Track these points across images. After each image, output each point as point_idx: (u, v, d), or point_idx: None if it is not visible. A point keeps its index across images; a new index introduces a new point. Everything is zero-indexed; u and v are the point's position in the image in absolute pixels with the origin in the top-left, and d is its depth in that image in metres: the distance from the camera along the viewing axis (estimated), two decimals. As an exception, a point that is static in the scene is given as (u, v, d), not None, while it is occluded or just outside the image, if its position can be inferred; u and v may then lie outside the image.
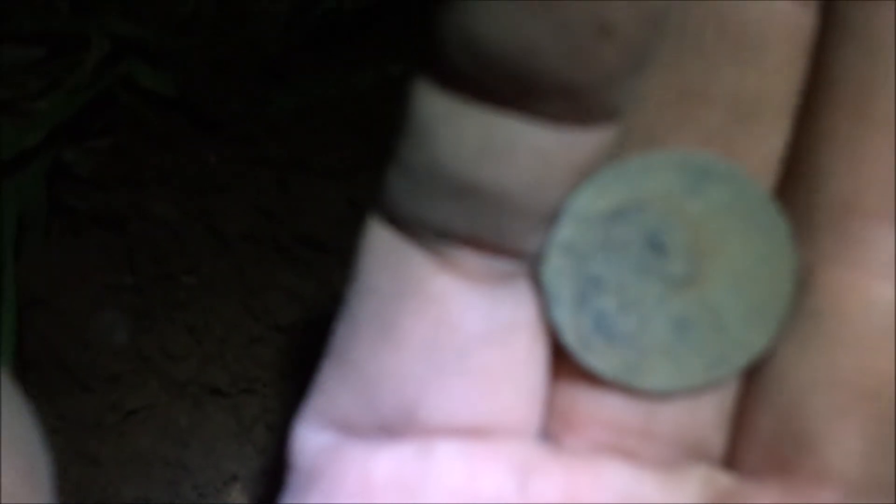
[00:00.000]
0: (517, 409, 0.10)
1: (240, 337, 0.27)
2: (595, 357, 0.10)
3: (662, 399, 0.10)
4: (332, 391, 0.11)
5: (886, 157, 0.09)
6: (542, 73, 0.08)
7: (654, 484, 0.10)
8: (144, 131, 0.27)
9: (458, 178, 0.09)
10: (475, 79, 0.09)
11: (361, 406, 0.10)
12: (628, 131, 0.09)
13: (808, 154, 0.09)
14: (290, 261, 0.27)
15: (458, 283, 0.10)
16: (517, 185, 0.09)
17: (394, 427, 0.10)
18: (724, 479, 0.10)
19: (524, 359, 0.10)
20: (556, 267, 0.10)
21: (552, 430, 0.10)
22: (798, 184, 0.10)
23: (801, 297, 0.10)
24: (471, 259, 0.10)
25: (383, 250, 0.10)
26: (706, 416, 0.10)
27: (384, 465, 0.10)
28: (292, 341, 0.27)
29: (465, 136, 0.09)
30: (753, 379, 0.10)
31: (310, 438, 0.11)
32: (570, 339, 0.10)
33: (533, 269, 0.10)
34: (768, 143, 0.10)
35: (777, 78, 0.09)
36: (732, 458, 0.10)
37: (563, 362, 0.10)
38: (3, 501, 0.10)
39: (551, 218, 0.09)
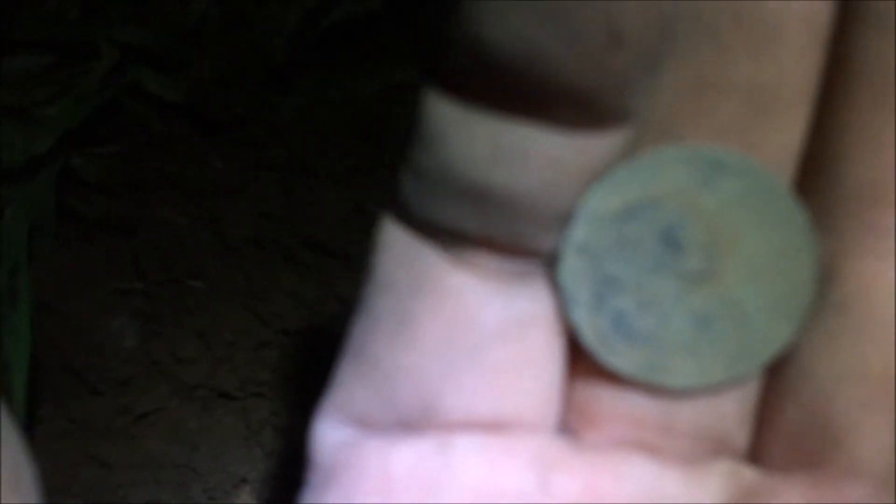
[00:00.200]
0: (535, 403, 0.10)
1: (248, 341, 0.27)
2: (616, 357, 0.10)
3: (686, 397, 0.10)
4: (351, 387, 0.10)
5: None
6: (552, 79, 0.08)
7: (676, 479, 0.10)
8: (152, 137, 0.27)
9: (470, 182, 0.09)
10: (484, 85, 0.09)
11: (379, 402, 0.10)
12: (643, 124, 0.09)
13: (829, 144, 0.09)
14: (295, 265, 0.27)
15: (473, 280, 0.10)
16: (529, 189, 0.09)
17: (412, 422, 0.10)
18: (748, 474, 0.10)
19: (541, 353, 0.10)
20: (572, 268, 0.10)
21: (572, 426, 0.10)
22: (819, 174, 0.09)
23: (826, 289, 0.09)
24: (486, 258, 0.10)
25: (398, 247, 0.10)
26: (729, 410, 0.10)
27: (403, 459, 0.10)
28: (299, 345, 0.28)
29: (476, 142, 0.09)
30: (778, 372, 0.10)
31: (328, 434, 0.11)
32: (590, 339, 0.10)
33: (549, 268, 0.10)
34: (786, 133, 0.09)
35: (794, 67, 0.09)
36: (757, 453, 0.10)
37: (582, 357, 0.10)
38: None
39: (565, 219, 0.09)
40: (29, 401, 0.25)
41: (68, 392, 0.26)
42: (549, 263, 0.10)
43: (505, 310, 0.10)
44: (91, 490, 0.26)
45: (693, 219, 0.10)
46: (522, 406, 0.10)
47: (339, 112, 0.28)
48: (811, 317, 0.09)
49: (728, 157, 0.09)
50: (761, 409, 0.10)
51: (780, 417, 0.10)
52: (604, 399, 0.10)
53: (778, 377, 0.10)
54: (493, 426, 0.10)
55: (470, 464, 0.10)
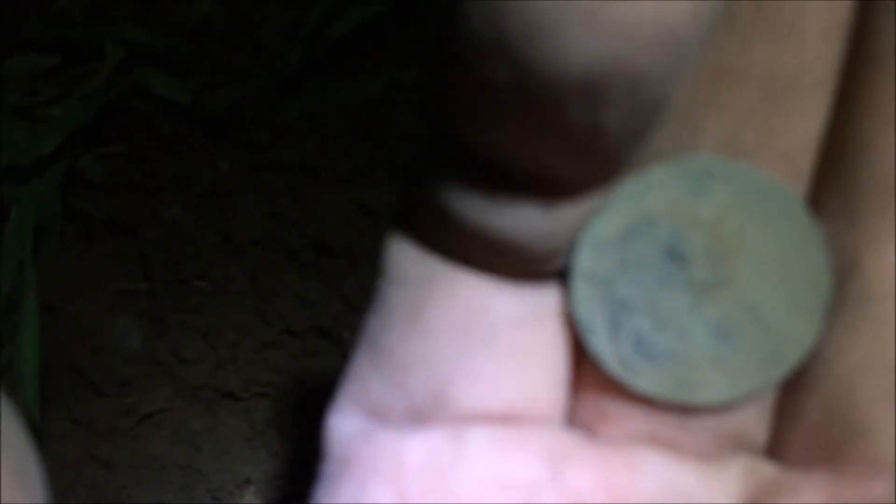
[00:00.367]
0: (545, 394, 0.10)
1: (252, 341, 0.27)
2: (642, 379, 0.10)
3: (721, 411, 0.10)
4: (365, 379, 0.10)
5: None
6: (533, 168, 0.08)
7: (692, 474, 0.10)
8: (157, 138, 0.27)
9: (466, 224, 0.09)
10: (464, 170, 0.09)
11: (393, 392, 0.10)
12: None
13: (849, 131, 0.09)
14: (301, 266, 0.27)
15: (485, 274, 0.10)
16: (525, 237, 0.09)
17: (425, 413, 0.10)
18: (767, 470, 0.10)
19: (552, 345, 0.10)
20: (583, 297, 0.10)
21: (585, 420, 0.10)
22: (838, 163, 0.09)
23: (847, 280, 0.09)
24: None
25: (411, 244, 0.10)
26: (746, 404, 0.10)
27: (417, 451, 0.10)
28: (303, 345, 0.28)
29: (473, 188, 0.09)
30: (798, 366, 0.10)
31: (343, 426, 0.11)
32: (613, 366, 0.10)
33: (562, 300, 0.10)
34: (806, 121, 0.09)
35: (815, 54, 0.09)
36: (775, 448, 0.10)
37: None
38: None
39: (570, 247, 0.09)
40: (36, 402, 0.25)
41: (72, 393, 0.26)
42: (561, 296, 0.10)
43: (518, 299, 0.10)
44: (95, 490, 0.26)
45: (693, 230, 0.09)
46: (533, 397, 0.10)
47: (345, 114, 0.28)
48: (833, 309, 0.09)
49: (716, 164, 0.09)
50: (780, 404, 0.10)
51: (800, 412, 0.09)
52: (618, 392, 0.10)
53: (799, 371, 0.10)
54: (505, 418, 0.10)
55: (483, 455, 0.10)
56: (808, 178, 0.10)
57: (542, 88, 0.07)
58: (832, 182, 0.09)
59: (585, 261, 0.09)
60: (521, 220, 0.09)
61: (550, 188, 0.09)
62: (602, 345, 0.10)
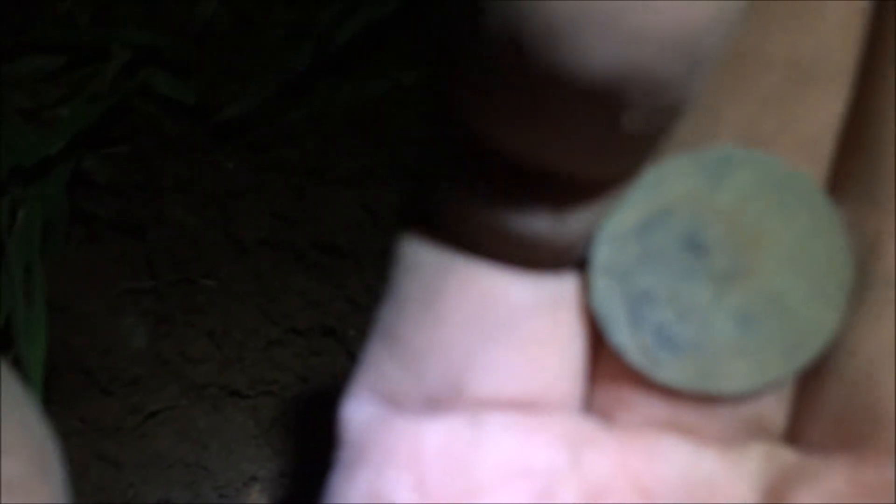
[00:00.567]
0: (562, 381, 0.10)
1: (258, 340, 0.27)
2: (665, 371, 0.09)
3: (746, 400, 0.10)
4: (381, 366, 0.10)
5: None
6: (553, 170, 0.08)
7: (712, 460, 0.10)
8: (163, 139, 0.27)
9: (479, 223, 0.09)
10: (485, 176, 0.09)
11: (409, 379, 0.10)
12: None
13: (869, 117, 0.09)
14: (306, 265, 0.27)
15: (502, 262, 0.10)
16: (537, 238, 0.09)
17: (441, 399, 0.10)
18: (787, 455, 0.10)
19: (568, 332, 0.10)
20: (603, 291, 0.10)
21: (603, 408, 0.10)
22: (859, 149, 0.09)
23: (868, 266, 0.09)
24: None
25: (425, 228, 0.10)
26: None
27: (434, 437, 0.10)
28: (309, 344, 0.28)
29: (485, 189, 0.09)
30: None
31: (359, 412, 0.10)
32: (636, 358, 0.10)
33: (582, 294, 0.10)
34: (827, 107, 0.09)
35: (835, 40, 0.09)
36: (795, 434, 0.10)
37: None
38: (14, 486, 0.10)
39: (586, 242, 0.09)
40: (42, 401, 0.25)
41: (78, 391, 0.26)
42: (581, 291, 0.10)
43: (533, 290, 0.10)
44: (101, 489, 0.26)
45: (712, 219, 0.09)
46: (550, 384, 0.10)
47: (349, 115, 0.28)
48: (855, 295, 0.09)
49: (732, 152, 0.09)
50: (800, 390, 0.10)
51: (821, 397, 0.09)
52: (636, 378, 0.10)
53: (820, 356, 0.09)
54: (522, 404, 0.10)
55: (501, 441, 0.10)
56: (828, 164, 0.10)
57: (560, 91, 0.07)
58: (852, 168, 0.09)
59: (604, 254, 0.09)
60: (533, 225, 0.09)
61: (564, 191, 0.09)
62: (624, 337, 0.10)
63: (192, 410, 0.26)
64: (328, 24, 0.26)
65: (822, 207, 0.09)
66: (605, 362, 0.10)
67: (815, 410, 0.10)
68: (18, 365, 0.25)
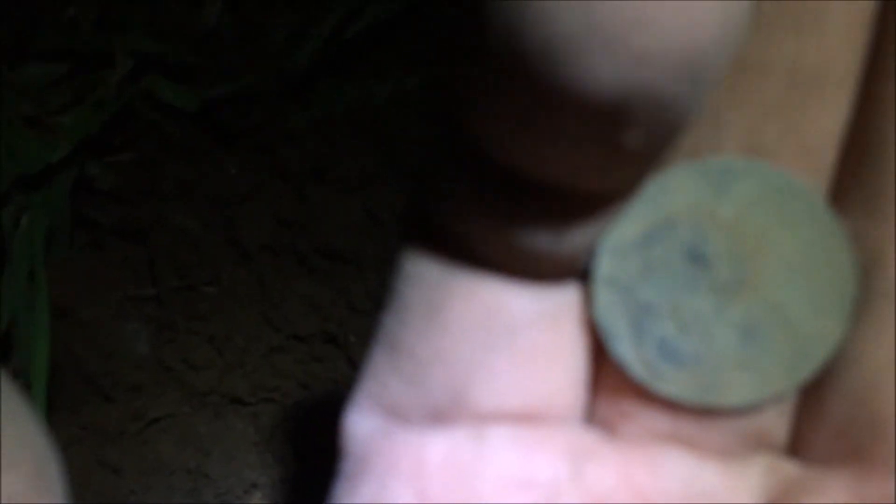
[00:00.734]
0: (565, 393, 0.10)
1: (259, 347, 0.27)
2: (668, 384, 0.09)
3: (749, 413, 0.10)
4: (383, 377, 0.10)
5: None
6: (555, 183, 0.08)
7: (714, 472, 0.10)
8: (166, 145, 0.28)
9: (480, 234, 0.09)
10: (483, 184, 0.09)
11: (411, 391, 0.10)
12: None
13: (873, 126, 0.09)
14: (309, 271, 0.27)
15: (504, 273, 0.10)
16: (538, 253, 0.09)
17: (444, 411, 0.10)
18: (789, 468, 0.10)
19: (571, 344, 0.10)
20: (605, 303, 0.10)
21: (605, 420, 0.10)
22: (862, 157, 0.09)
23: (872, 277, 0.09)
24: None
25: (428, 238, 0.10)
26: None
27: (437, 449, 0.10)
28: (310, 350, 0.28)
29: (487, 201, 0.09)
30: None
31: (361, 424, 0.10)
32: (638, 371, 0.09)
33: (585, 307, 0.10)
34: (830, 115, 0.09)
35: (838, 47, 0.09)
36: (798, 446, 0.10)
37: None
38: (15, 502, 0.10)
39: (589, 254, 0.09)
40: (46, 408, 0.25)
41: (81, 398, 0.26)
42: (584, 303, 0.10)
43: (535, 301, 0.10)
44: (103, 496, 0.26)
45: (714, 230, 0.09)
46: (552, 396, 0.10)
47: (352, 119, 0.28)
48: (859, 306, 0.09)
49: (735, 164, 0.09)
50: (802, 402, 0.10)
51: (824, 410, 0.09)
52: (638, 391, 0.10)
53: (824, 370, 0.09)
54: (525, 417, 0.10)
55: (504, 454, 0.10)
56: (831, 173, 0.09)
57: (562, 108, 0.07)
58: (855, 177, 0.09)
59: (606, 266, 0.09)
60: (535, 237, 0.09)
61: (565, 203, 0.09)
62: (626, 350, 0.10)
63: (193, 417, 0.26)
64: (331, 28, 0.27)
65: (825, 219, 0.09)
66: (607, 374, 0.10)
67: (817, 423, 0.10)
68: (21, 371, 0.25)
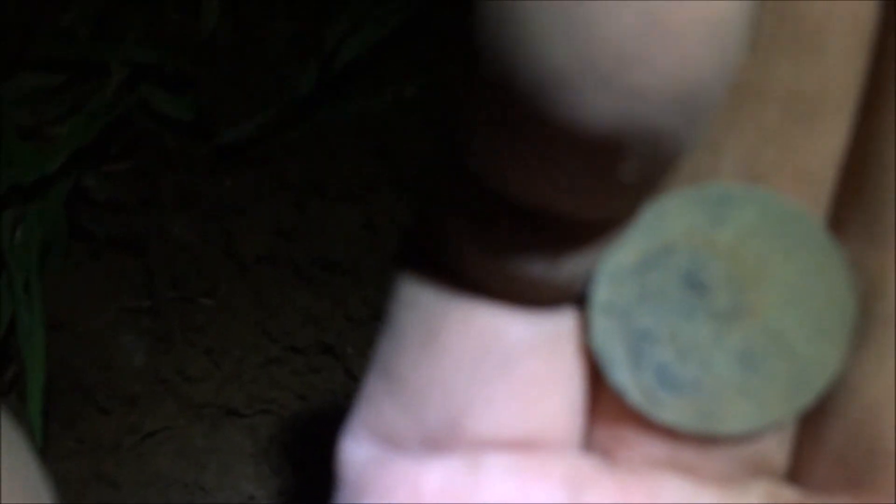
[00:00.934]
0: (562, 421, 0.10)
1: (256, 358, 0.27)
2: (667, 412, 0.09)
3: (747, 441, 0.09)
4: (378, 404, 0.10)
5: None
6: (551, 212, 0.08)
7: (714, 498, 0.10)
8: (162, 155, 0.27)
9: (475, 259, 0.09)
10: (480, 212, 0.09)
11: (407, 418, 0.10)
12: None
13: (872, 151, 0.09)
14: (306, 282, 0.27)
15: (500, 299, 0.10)
16: (533, 280, 0.09)
17: (440, 439, 0.10)
18: (788, 494, 0.10)
19: (568, 371, 0.10)
20: (603, 330, 0.09)
21: (603, 446, 0.10)
22: (862, 183, 0.09)
23: (872, 304, 0.09)
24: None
25: (423, 266, 0.10)
26: None
27: (433, 478, 0.10)
28: (308, 362, 0.28)
29: (483, 227, 0.09)
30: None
31: (357, 452, 0.10)
32: (636, 398, 0.09)
33: (582, 336, 0.10)
34: (829, 140, 0.09)
35: (837, 72, 0.09)
36: (797, 473, 0.10)
37: None
38: None
39: (585, 279, 0.09)
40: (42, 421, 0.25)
41: (77, 410, 0.26)
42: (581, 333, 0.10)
43: (531, 327, 0.10)
44: (99, 509, 0.26)
45: (712, 257, 0.09)
46: (549, 424, 0.10)
47: (350, 130, 0.28)
48: (859, 334, 0.09)
49: (733, 189, 0.09)
50: (802, 428, 0.10)
51: (824, 437, 0.09)
52: (637, 420, 0.10)
53: (824, 398, 0.09)
54: (522, 444, 0.10)
55: (500, 483, 0.10)
56: (830, 198, 0.09)
57: (556, 141, 0.07)
58: (854, 203, 0.09)
59: (603, 292, 0.09)
60: (530, 264, 0.09)
61: (561, 231, 0.09)
62: (624, 377, 0.10)
63: (190, 429, 0.26)
64: (332, 42, 0.26)
65: (824, 245, 0.09)
66: (605, 400, 0.10)
67: (817, 450, 0.10)
68: (17, 384, 0.25)
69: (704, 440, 0.10)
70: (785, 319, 0.09)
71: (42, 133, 0.26)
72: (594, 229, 0.09)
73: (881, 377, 0.09)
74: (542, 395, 0.10)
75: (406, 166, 0.27)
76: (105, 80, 0.27)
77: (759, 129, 0.09)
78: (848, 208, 0.09)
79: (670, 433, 0.10)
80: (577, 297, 0.10)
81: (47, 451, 0.26)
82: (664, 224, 0.09)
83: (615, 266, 0.09)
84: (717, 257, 0.09)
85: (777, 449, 0.10)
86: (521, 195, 0.08)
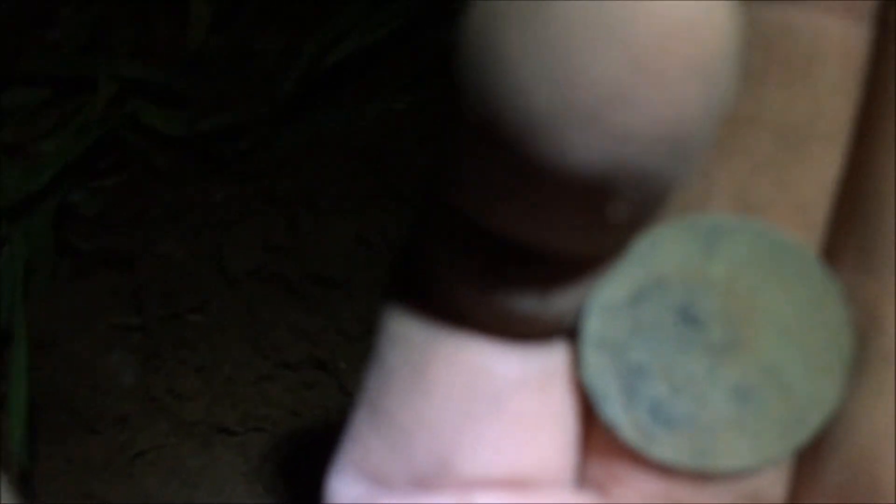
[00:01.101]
0: (554, 457, 0.10)
1: (248, 375, 0.27)
2: (661, 448, 0.09)
3: (742, 478, 0.09)
4: (366, 442, 0.10)
5: None
6: (539, 249, 0.08)
7: None
8: (151, 170, 0.27)
9: (464, 296, 0.09)
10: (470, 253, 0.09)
11: (395, 457, 0.10)
12: None
13: (866, 180, 0.09)
14: (298, 297, 0.27)
15: (490, 334, 0.10)
16: (523, 316, 0.09)
17: (429, 479, 0.10)
18: None
19: (560, 407, 0.10)
20: (595, 365, 0.09)
21: (597, 482, 0.10)
22: (856, 212, 0.09)
23: (869, 337, 0.09)
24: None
25: (411, 300, 0.10)
26: None
27: None
28: (300, 378, 0.27)
29: (472, 263, 0.09)
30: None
31: (345, 491, 0.10)
32: (630, 434, 0.09)
33: (574, 369, 0.10)
34: (821, 170, 0.09)
35: (829, 101, 0.09)
36: None
37: None
38: None
39: (577, 314, 0.09)
40: (26, 440, 0.24)
41: (65, 430, 0.26)
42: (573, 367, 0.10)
43: (522, 363, 0.10)
44: (89, 531, 0.25)
45: (705, 290, 0.09)
46: (541, 461, 0.10)
47: (341, 144, 0.28)
48: (856, 368, 0.09)
49: (726, 222, 0.09)
50: (800, 464, 0.10)
51: (822, 473, 0.09)
52: (631, 456, 0.10)
53: (820, 434, 0.09)
54: (513, 482, 0.10)
55: None
56: (824, 229, 0.09)
57: (541, 181, 0.07)
58: (849, 233, 0.09)
59: (595, 327, 0.09)
60: (519, 300, 0.09)
61: (549, 267, 0.08)
62: (617, 413, 0.09)
63: (181, 448, 0.26)
64: (317, 49, 0.26)
65: (820, 277, 0.09)
66: (598, 436, 0.10)
67: (815, 486, 0.09)
68: (2, 404, 0.24)
69: (699, 476, 0.09)
70: (780, 354, 0.09)
71: (29, 150, 0.26)
72: (584, 265, 0.09)
73: (878, 414, 0.09)
74: (534, 433, 0.10)
75: (398, 180, 0.27)
76: (93, 95, 0.26)
77: (752, 159, 0.09)
78: (842, 238, 0.09)
79: (665, 469, 0.09)
80: (568, 331, 0.09)
81: (36, 471, 0.25)
82: (657, 257, 0.09)
83: (607, 300, 0.09)
84: (711, 290, 0.09)
85: (774, 485, 0.10)
86: (508, 233, 0.08)
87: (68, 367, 0.26)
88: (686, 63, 0.06)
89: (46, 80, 0.27)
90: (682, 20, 0.06)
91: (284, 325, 0.27)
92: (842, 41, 0.09)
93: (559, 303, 0.09)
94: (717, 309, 0.09)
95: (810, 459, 0.09)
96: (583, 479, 0.10)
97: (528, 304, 0.09)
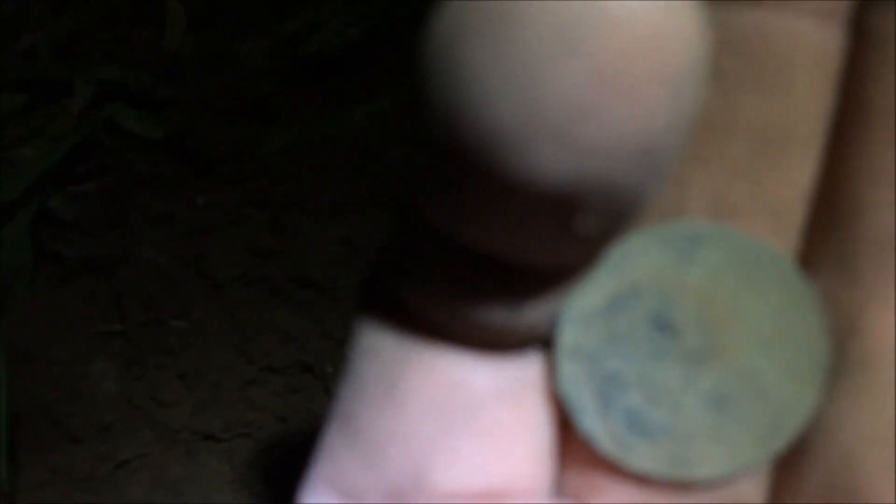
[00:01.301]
0: (530, 469, 0.10)
1: (233, 381, 0.26)
2: (638, 458, 0.09)
3: (720, 486, 0.09)
4: (338, 458, 0.10)
5: None
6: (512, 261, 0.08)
7: None
8: (131, 175, 0.27)
9: (436, 308, 0.09)
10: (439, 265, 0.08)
11: (369, 472, 0.10)
12: None
13: (844, 186, 0.09)
14: (283, 301, 0.27)
15: (464, 345, 0.09)
16: (495, 327, 0.09)
17: (404, 493, 0.10)
18: None
19: (535, 418, 0.10)
20: (570, 374, 0.09)
21: (575, 491, 0.10)
22: (833, 219, 0.09)
23: (846, 343, 0.09)
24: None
25: (384, 311, 0.10)
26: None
27: None
28: (286, 382, 0.27)
29: (443, 275, 0.09)
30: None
31: None
32: (606, 445, 0.09)
33: (548, 380, 0.10)
34: (797, 175, 0.09)
35: (804, 106, 0.09)
36: None
37: None
38: None
39: (551, 323, 0.09)
40: (7, 450, 0.24)
41: (48, 440, 0.25)
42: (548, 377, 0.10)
43: (496, 375, 0.09)
44: (73, 541, 0.25)
45: (681, 297, 0.09)
46: (517, 473, 0.10)
47: (325, 145, 0.27)
48: (833, 375, 0.09)
49: (701, 228, 0.09)
50: (780, 471, 0.09)
51: (801, 481, 0.09)
52: (608, 465, 0.09)
53: (798, 441, 0.09)
54: (489, 495, 0.10)
55: None
56: (800, 234, 0.09)
57: (509, 195, 0.07)
58: (825, 239, 0.09)
59: (569, 336, 0.09)
60: (491, 312, 0.08)
61: (520, 279, 0.08)
62: (593, 423, 0.09)
63: (165, 457, 0.26)
64: (293, 45, 0.26)
65: (796, 283, 0.09)
66: (574, 446, 0.10)
67: (795, 492, 0.09)
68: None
69: (677, 485, 0.09)
70: (757, 361, 0.09)
71: (5, 157, 0.25)
72: (557, 276, 0.08)
73: (857, 421, 0.09)
74: (509, 444, 0.09)
75: (384, 182, 0.27)
76: (69, 100, 0.26)
77: (727, 164, 0.09)
78: (819, 244, 0.09)
79: (643, 479, 0.09)
80: (542, 341, 0.09)
81: (18, 481, 0.25)
82: (631, 264, 0.09)
83: (581, 308, 0.09)
84: (686, 298, 0.09)
85: (754, 492, 0.10)
86: (478, 245, 0.08)
87: (49, 375, 0.26)
88: (652, 74, 0.06)
89: (22, 85, 0.26)
90: (647, 31, 0.06)
91: (270, 330, 0.27)
92: (816, 44, 0.09)
93: (532, 314, 0.09)
94: (692, 316, 0.09)
95: (790, 466, 0.09)
96: (560, 489, 0.10)
97: (500, 315, 0.09)
